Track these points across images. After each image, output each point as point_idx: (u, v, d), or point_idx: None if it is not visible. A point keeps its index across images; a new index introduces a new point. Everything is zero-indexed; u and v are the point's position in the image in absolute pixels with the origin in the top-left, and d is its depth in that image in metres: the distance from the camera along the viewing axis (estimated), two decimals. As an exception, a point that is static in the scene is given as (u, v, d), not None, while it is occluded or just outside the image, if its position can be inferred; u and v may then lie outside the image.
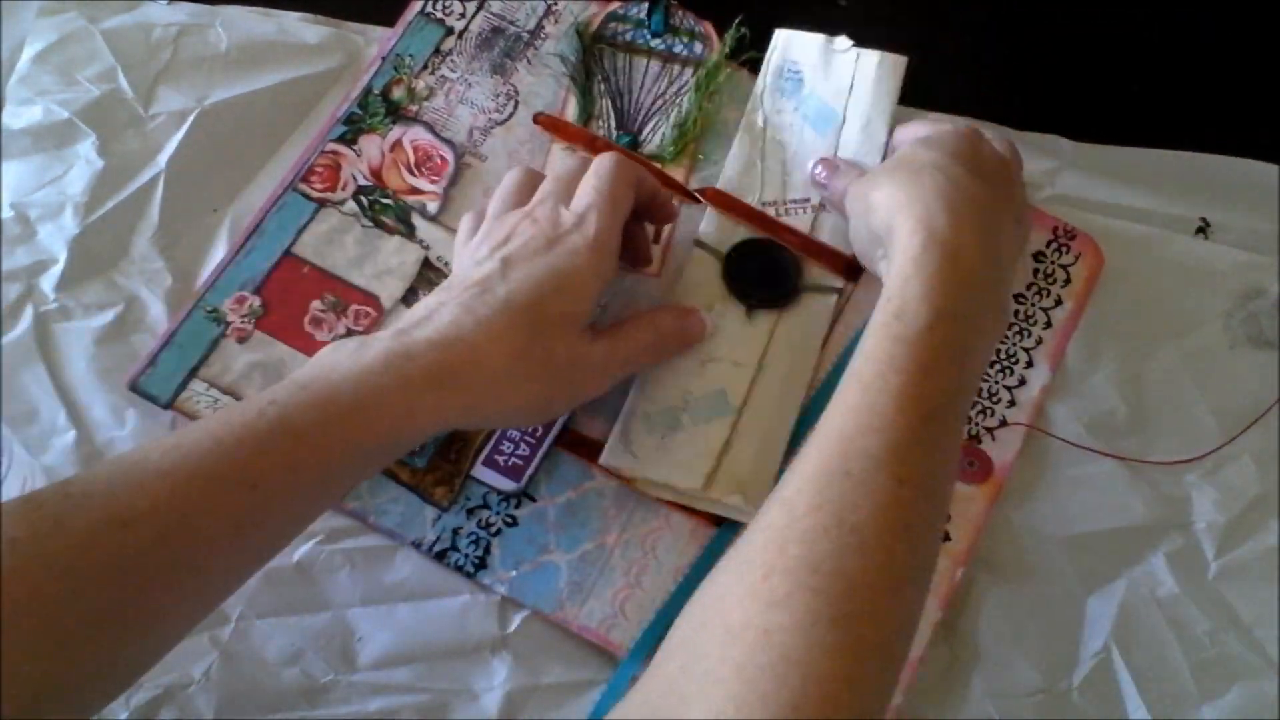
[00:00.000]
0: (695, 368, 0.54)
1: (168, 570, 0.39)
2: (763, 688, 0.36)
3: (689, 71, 0.60)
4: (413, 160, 0.58)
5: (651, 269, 0.57)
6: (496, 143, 0.59)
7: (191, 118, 0.58)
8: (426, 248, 0.57)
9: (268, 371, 0.54)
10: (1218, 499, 0.54)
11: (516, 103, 0.60)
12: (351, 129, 0.58)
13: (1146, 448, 0.55)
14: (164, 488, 0.39)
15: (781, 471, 0.51)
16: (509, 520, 0.53)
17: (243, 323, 0.55)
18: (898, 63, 0.58)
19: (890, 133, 0.57)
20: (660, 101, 0.60)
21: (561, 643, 0.52)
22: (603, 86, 0.60)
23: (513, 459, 0.54)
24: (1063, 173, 0.58)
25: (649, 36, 0.61)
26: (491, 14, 0.61)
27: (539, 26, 0.61)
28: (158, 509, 0.39)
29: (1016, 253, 0.50)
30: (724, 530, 0.53)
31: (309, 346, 0.55)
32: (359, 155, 0.58)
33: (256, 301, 0.55)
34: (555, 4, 0.61)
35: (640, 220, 0.54)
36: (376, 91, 0.59)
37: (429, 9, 0.60)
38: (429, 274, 0.57)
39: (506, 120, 0.59)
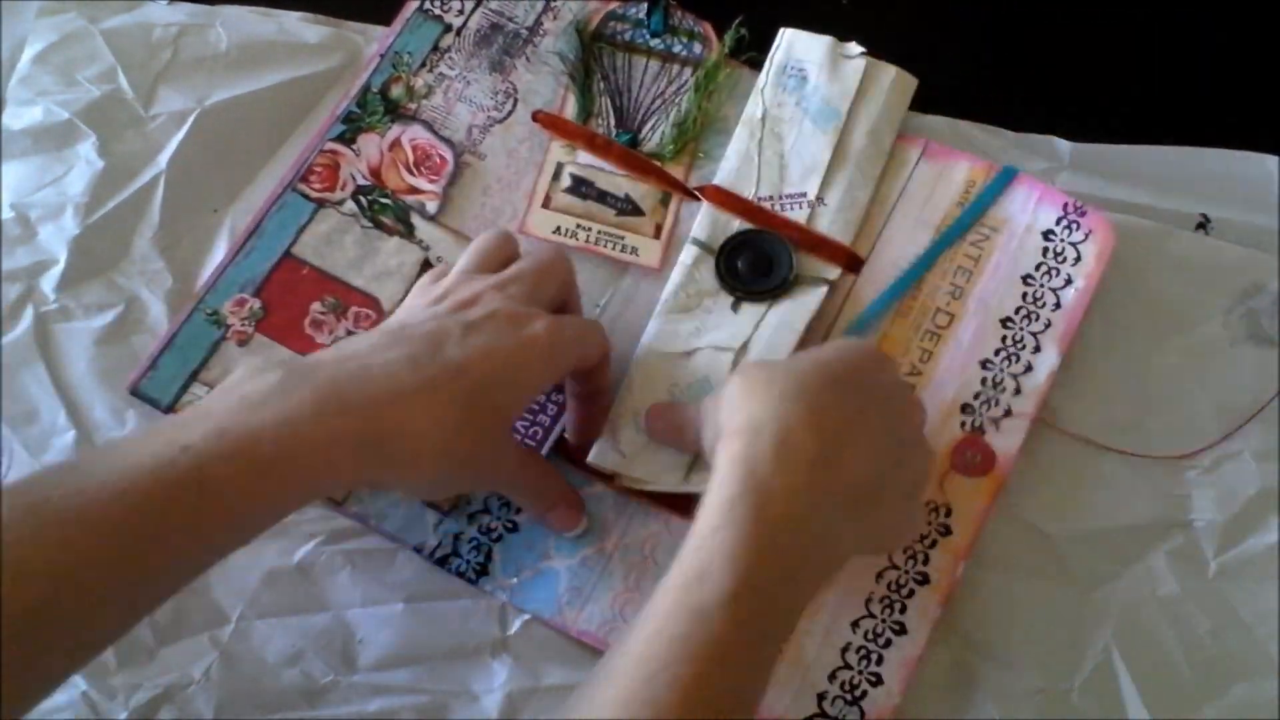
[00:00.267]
0: (681, 359, 0.54)
1: (55, 623, 0.37)
2: None
3: (688, 71, 0.60)
4: (411, 159, 0.58)
5: (654, 264, 0.57)
6: (495, 141, 0.59)
7: (192, 118, 0.58)
8: (426, 248, 0.57)
9: None
10: (1218, 497, 0.53)
11: (515, 100, 0.60)
12: (350, 128, 0.58)
13: (1147, 444, 0.54)
14: (59, 539, 0.36)
15: None
16: (510, 525, 0.53)
17: (243, 325, 0.55)
18: (910, 82, 0.58)
19: (891, 144, 0.57)
20: (659, 100, 0.60)
21: (562, 645, 0.52)
22: (602, 85, 0.60)
23: None
24: (1062, 172, 0.58)
25: (648, 36, 0.61)
26: (490, 10, 0.61)
27: (538, 23, 0.61)
28: (52, 561, 0.36)
29: (887, 447, 0.44)
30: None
31: (309, 349, 0.55)
32: (358, 154, 0.58)
33: (256, 304, 0.55)
34: (554, 1, 0.61)
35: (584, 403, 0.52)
36: (375, 90, 0.59)
37: (427, 5, 0.60)
38: None
39: (505, 118, 0.59)
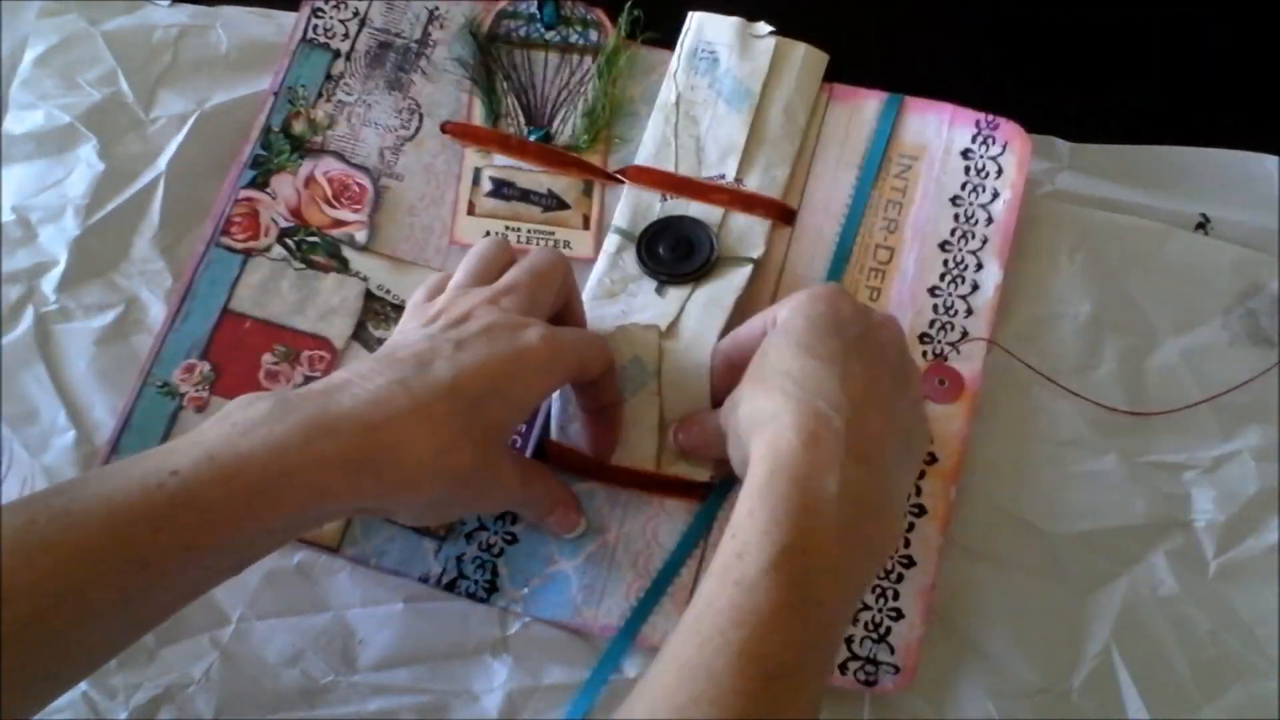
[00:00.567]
0: (609, 340, 0.53)
1: (43, 643, 0.36)
2: None
3: (589, 59, 0.60)
4: (330, 192, 0.57)
5: (588, 254, 0.57)
6: (410, 160, 0.58)
7: (191, 120, 0.58)
8: (364, 279, 0.56)
9: None
10: (1218, 497, 0.53)
11: (420, 115, 0.59)
12: (260, 171, 0.57)
13: (1146, 444, 0.54)
14: (48, 563, 0.36)
15: (695, 519, 0.52)
16: (509, 538, 0.53)
17: (197, 391, 0.54)
18: (821, 58, 0.59)
19: (808, 118, 0.58)
20: (565, 92, 0.60)
21: (562, 644, 0.52)
22: (505, 85, 0.60)
23: None
24: (1062, 172, 0.58)
25: (543, 30, 0.61)
26: (374, 29, 0.60)
27: (426, 35, 0.60)
28: (40, 583, 0.36)
29: (903, 418, 0.45)
30: (712, 501, 0.53)
31: None
32: (274, 198, 0.57)
33: (206, 366, 0.54)
34: (437, 9, 0.60)
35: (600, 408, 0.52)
36: (276, 129, 0.58)
37: (310, 35, 0.59)
38: (374, 305, 0.56)
39: (414, 135, 0.59)
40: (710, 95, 0.58)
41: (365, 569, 0.52)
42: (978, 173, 0.58)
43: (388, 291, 0.56)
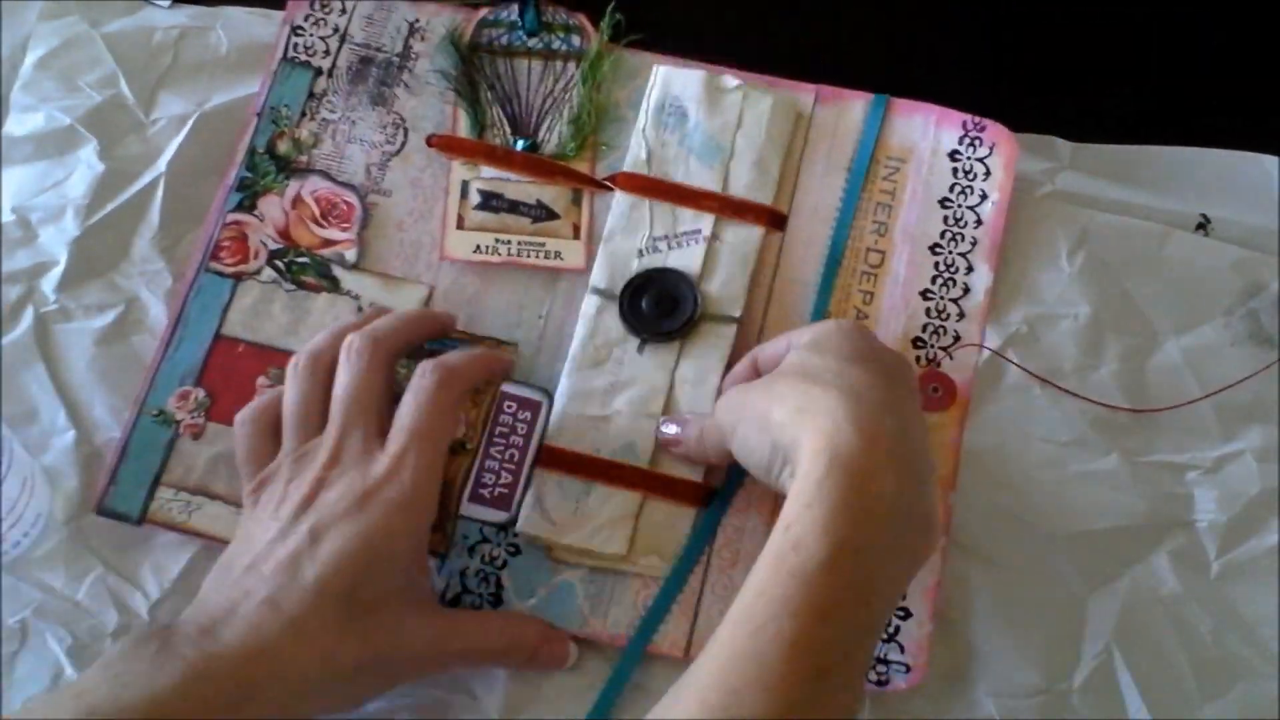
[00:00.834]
0: (601, 422, 0.53)
1: None
2: None
3: (573, 65, 0.60)
4: (318, 212, 0.57)
5: (579, 264, 0.56)
6: (396, 175, 0.58)
7: (191, 121, 0.58)
8: (356, 297, 0.56)
9: (232, 463, 0.52)
10: (1220, 497, 0.53)
11: (405, 130, 0.58)
12: (247, 194, 0.57)
13: (1148, 444, 0.54)
14: None
15: (700, 527, 0.52)
16: (512, 549, 0.53)
17: (193, 418, 0.54)
18: (791, 107, 0.58)
19: (780, 169, 0.57)
20: (550, 100, 0.59)
21: (561, 644, 0.52)
22: (490, 95, 0.59)
23: (497, 489, 0.53)
24: (1062, 172, 0.58)
25: (525, 37, 0.60)
26: (355, 45, 0.59)
27: (407, 48, 0.59)
28: None
29: (929, 447, 0.46)
30: (715, 509, 0.53)
31: None
32: (262, 220, 0.57)
33: (200, 393, 0.54)
34: (418, 21, 0.60)
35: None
36: (261, 150, 0.57)
37: (291, 54, 0.59)
38: None
39: (400, 150, 0.58)
40: (681, 152, 0.57)
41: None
42: (966, 174, 0.57)
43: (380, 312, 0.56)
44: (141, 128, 0.58)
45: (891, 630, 0.51)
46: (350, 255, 0.57)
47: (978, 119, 0.58)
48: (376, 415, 0.48)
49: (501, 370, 0.54)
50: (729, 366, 0.54)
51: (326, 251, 0.57)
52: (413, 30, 0.60)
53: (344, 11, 0.60)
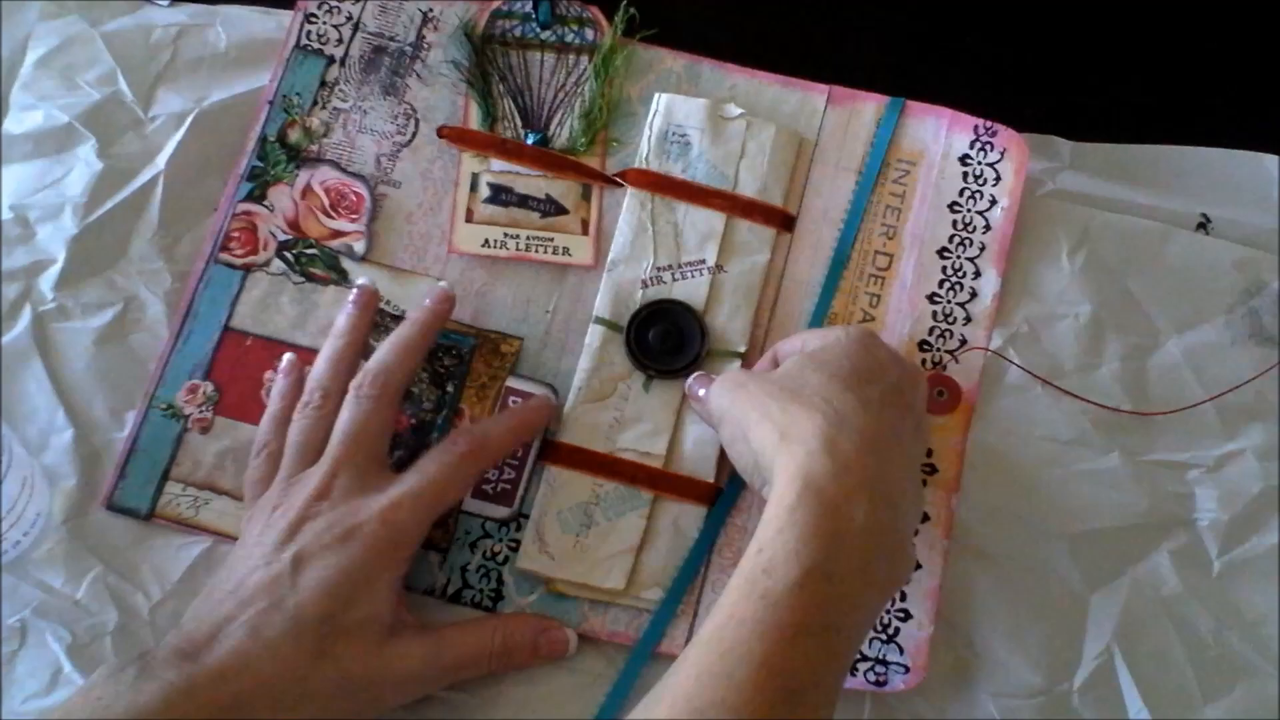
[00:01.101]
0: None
1: None
2: None
3: (585, 59, 0.59)
4: (327, 202, 0.57)
5: (588, 261, 0.56)
6: (406, 166, 0.58)
7: (190, 118, 0.58)
8: None
9: (239, 457, 0.53)
10: (1221, 496, 0.53)
11: (417, 121, 0.58)
12: (257, 184, 0.57)
13: (1149, 443, 0.54)
14: None
15: (693, 561, 0.52)
16: (513, 545, 0.53)
17: (201, 412, 0.54)
18: (794, 135, 0.58)
19: (784, 197, 0.57)
20: (562, 93, 0.59)
21: (562, 644, 0.52)
22: (501, 87, 0.59)
23: (500, 484, 0.53)
24: (1062, 172, 0.58)
25: (538, 29, 0.60)
26: (368, 34, 0.59)
27: (420, 37, 0.59)
28: None
29: (916, 471, 0.47)
30: (717, 512, 0.53)
31: None
32: (272, 210, 0.57)
33: (209, 387, 0.54)
34: (431, 11, 0.59)
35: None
36: (272, 139, 0.57)
37: (304, 41, 0.59)
38: (374, 317, 0.55)
39: (411, 141, 0.58)
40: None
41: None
42: (976, 179, 0.57)
43: (387, 302, 0.56)
44: (140, 125, 0.58)
45: (891, 631, 0.51)
46: (359, 247, 0.56)
47: (990, 124, 0.58)
48: (373, 452, 0.49)
49: (541, 425, 0.53)
50: None
51: (335, 243, 0.56)
52: (426, 20, 0.59)
53: (358, 0, 0.60)
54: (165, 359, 0.54)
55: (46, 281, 0.55)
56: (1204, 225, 0.58)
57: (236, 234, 0.56)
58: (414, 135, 0.58)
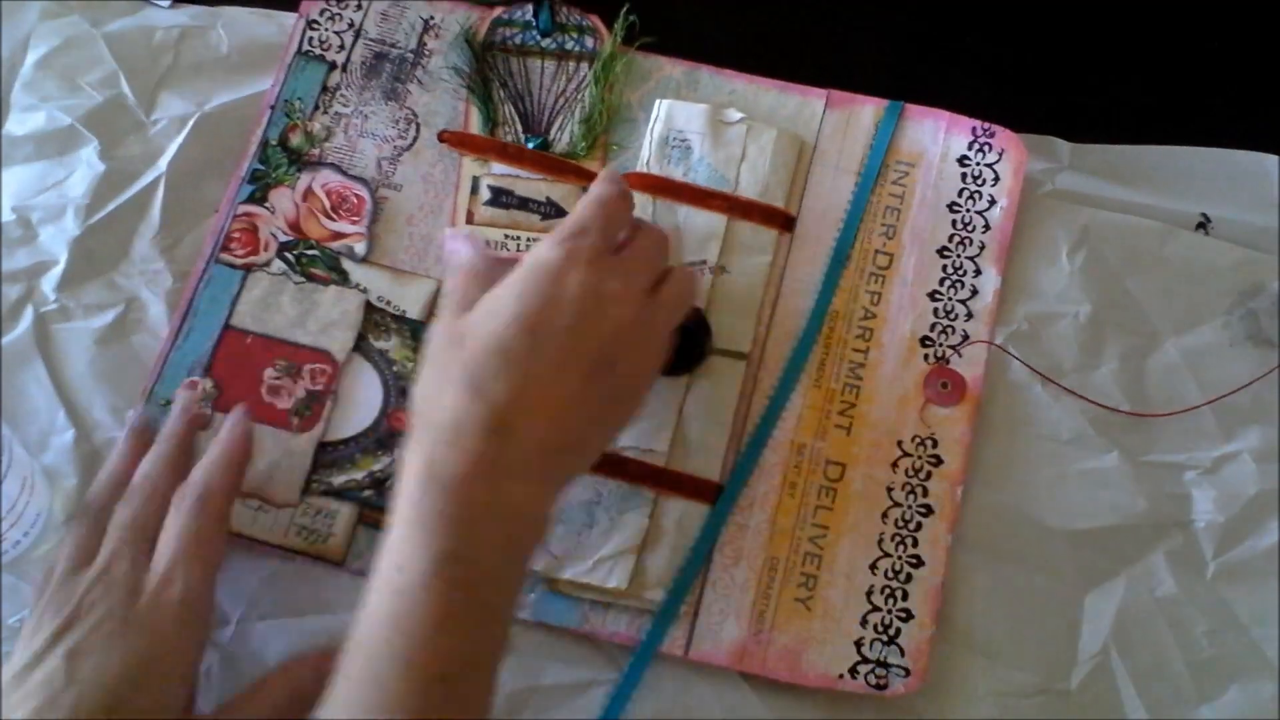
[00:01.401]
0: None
1: None
2: None
3: (585, 66, 0.60)
4: (328, 205, 0.57)
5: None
6: (407, 169, 0.58)
7: (192, 121, 0.58)
8: (364, 291, 0.56)
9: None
10: (1217, 497, 0.53)
11: (418, 125, 0.59)
12: (259, 186, 0.57)
13: (1148, 444, 0.54)
14: None
15: (695, 561, 0.52)
16: None
17: (200, 409, 0.54)
18: (795, 139, 0.58)
19: (785, 202, 0.57)
20: (562, 100, 0.59)
21: (561, 643, 0.52)
22: (502, 93, 0.59)
23: None
24: (1062, 172, 0.58)
25: (539, 37, 0.60)
26: (370, 40, 0.60)
27: (421, 44, 0.60)
28: None
29: (595, 412, 0.45)
30: (718, 514, 0.53)
31: (272, 417, 0.54)
32: (273, 212, 0.57)
33: (209, 384, 0.54)
34: (433, 18, 0.60)
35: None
36: (274, 142, 0.58)
37: (306, 47, 0.59)
38: (375, 317, 0.55)
39: (412, 145, 0.58)
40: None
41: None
42: (974, 179, 0.58)
43: (388, 303, 0.56)
44: (142, 128, 0.58)
45: (892, 632, 0.51)
46: (360, 249, 0.57)
47: (987, 125, 0.58)
48: (151, 542, 0.47)
49: (245, 443, 0.51)
50: (739, 403, 0.54)
51: (336, 245, 0.57)
52: (427, 27, 0.60)
53: (359, 7, 0.60)
54: (165, 356, 0.55)
55: (48, 282, 0.55)
56: (1204, 225, 0.57)
57: (237, 235, 0.56)
58: (415, 139, 0.58)
